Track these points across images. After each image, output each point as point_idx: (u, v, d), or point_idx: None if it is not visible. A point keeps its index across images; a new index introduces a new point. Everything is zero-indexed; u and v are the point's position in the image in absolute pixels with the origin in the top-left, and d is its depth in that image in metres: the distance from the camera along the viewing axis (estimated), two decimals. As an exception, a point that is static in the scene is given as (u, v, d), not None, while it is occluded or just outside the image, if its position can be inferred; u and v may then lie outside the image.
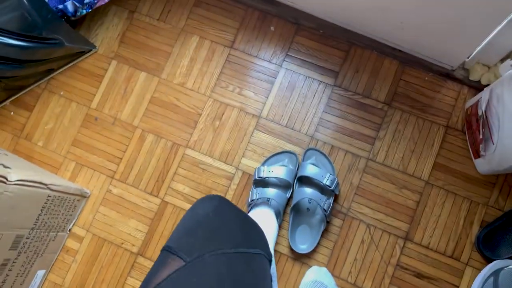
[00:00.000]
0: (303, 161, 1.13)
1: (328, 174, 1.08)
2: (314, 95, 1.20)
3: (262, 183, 1.12)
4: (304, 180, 1.12)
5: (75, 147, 1.23)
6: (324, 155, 1.14)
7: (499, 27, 0.94)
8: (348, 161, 1.15)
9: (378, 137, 1.16)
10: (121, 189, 1.19)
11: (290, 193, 1.12)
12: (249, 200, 1.10)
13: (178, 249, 0.63)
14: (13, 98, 1.27)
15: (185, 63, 1.24)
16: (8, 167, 0.92)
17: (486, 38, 0.99)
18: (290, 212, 1.10)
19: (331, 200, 1.09)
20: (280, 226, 1.13)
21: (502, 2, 0.85)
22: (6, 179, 0.87)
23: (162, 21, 1.27)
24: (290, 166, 1.13)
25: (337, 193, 1.09)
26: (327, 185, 1.07)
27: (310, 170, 1.09)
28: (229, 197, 1.16)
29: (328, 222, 1.11)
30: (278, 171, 1.10)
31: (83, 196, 1.17)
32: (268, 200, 1.08)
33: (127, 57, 1.26)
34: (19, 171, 0.93)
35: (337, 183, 1.09)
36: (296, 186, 1.12)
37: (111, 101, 1.24)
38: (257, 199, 1.08)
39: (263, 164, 1.15)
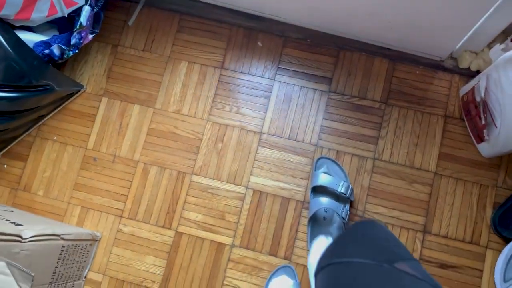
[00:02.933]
0: (315, 170, 1.13)
1: (342, 182, 1.08)
2: (312, 104, 1.20)
3: None
4: (318, 190, 1.12)
5: (77, 191, 1.19)
6: (335, 162, 1.14)
7: (485, 16, 0.96)
8: (356, 164, 1.16)
9: (380, 136, 1.17)
10: (132, 227, 1.17)
11: None
12: None
13: None
14: (4, 150, 1.22)
15: (177, 90, 1.23)
16: (20, 224, 0.88)
17: (473, 27, 1.01)
18: (308, 224, 1.10)
19: (348, 207, 1.09)
20: (297, 239, 1.13)
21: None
22: (21, 237, 0.84)
23: (147, 51, 1.26)
24: (290, 280, 1.09)
25: (352, 199, 1.10)
26: (342, 193, 1.07)
27: (323, 179, 1.09)
28: (243, 217, 1.15)
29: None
30: None
31: (95, 239, 1.14)
32: None
33: (117, 92, 1.24)
34: (31, 226, 0.90)
35: (352, 190, 1.10)
36: (311, 196, 1.11)
37: (107, 139, 1.22)
38: None
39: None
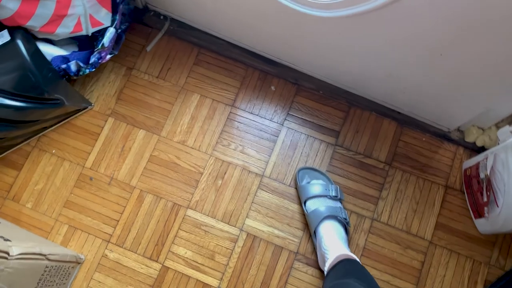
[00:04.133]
0: (300, 184, 1.14)
1: (330, 185, 1.11)
2: (317, 154, 1.21)
3: None
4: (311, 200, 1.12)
5: (67, 209, 1.16)
6: (314, 169, 1.16)
7: (496, 98, 0.99)
8: (354, 221, 1.15)
9: (381, 197, 1.17)
10: (118, 254, 1.13)
11: None
12: None
13: None
14: (-1, 156, 1.19)
15: (185, 121, 1.23)
16: (8, 240, 0.84)
17: (484, 107, 1.04)
18: (314, 236, 1.09)
19: (342, 206, 1.11)
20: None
21: (502, 75, 0.90)
22: (8, 254, 0.80)
23: (161, 79, 1.26)
24: None
25: (343, 198, 1.13)
26: (334, 196, 1.09)
27: (313, 189, 1.11)
28: (233, 260, 1.12)
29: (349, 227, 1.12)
30: None
31: (78, 262, 1.10)
32: None
33: (125, 114, 1.23)
34: (19, 243, 0.86)
35: (340, 189, 1.12)
36: (307, 210, 1.11)
37: (107, 160, 1.19)
38: None
39: None
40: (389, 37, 0.91)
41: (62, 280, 1.05)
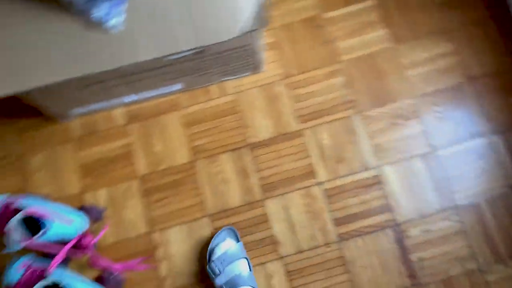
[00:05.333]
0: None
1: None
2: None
3: None
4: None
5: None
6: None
7: None
8: None
9: None
10: (283, 90, 1.19)
11: None
12: None
13: None
14: None
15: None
16: None
17: None
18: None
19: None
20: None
21: None
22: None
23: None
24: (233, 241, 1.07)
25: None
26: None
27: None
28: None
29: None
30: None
31: (257, 68, 1.18)
32: None
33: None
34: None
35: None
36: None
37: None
38: None
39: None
40: None
41: (239, 60, 1.09)
